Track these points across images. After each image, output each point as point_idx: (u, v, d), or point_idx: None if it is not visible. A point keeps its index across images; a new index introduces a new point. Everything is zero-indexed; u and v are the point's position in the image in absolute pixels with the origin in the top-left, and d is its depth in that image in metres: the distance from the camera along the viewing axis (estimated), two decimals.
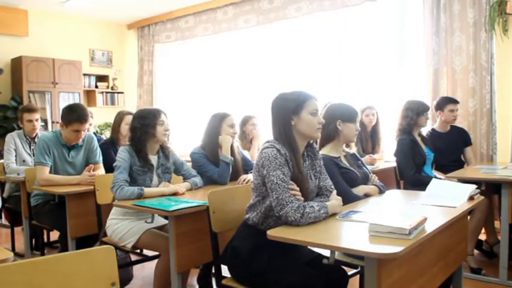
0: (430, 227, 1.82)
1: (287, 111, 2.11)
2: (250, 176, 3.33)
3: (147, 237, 2.72)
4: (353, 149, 2.90)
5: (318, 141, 2.70)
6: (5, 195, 4.31)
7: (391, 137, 4.18)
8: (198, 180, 3.11)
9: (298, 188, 2.02)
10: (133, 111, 3.89)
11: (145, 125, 2.84)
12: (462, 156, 4.18)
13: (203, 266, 3.18)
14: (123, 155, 2.80)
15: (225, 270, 2.25)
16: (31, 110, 4.32)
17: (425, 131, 4.01)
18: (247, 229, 2.14)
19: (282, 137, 2.10)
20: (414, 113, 3.71)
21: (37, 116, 4.34)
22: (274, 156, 2.00)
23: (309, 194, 2.13)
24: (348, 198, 2.42)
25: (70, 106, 3.52)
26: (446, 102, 4.08)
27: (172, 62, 7.70)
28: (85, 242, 3.20)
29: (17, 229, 4.46)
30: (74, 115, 3.39)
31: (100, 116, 7.37)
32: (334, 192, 2.21)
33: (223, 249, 2.21)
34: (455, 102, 4.09)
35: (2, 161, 4.31)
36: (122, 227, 2.78)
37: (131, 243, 2.73)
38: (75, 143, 3.52)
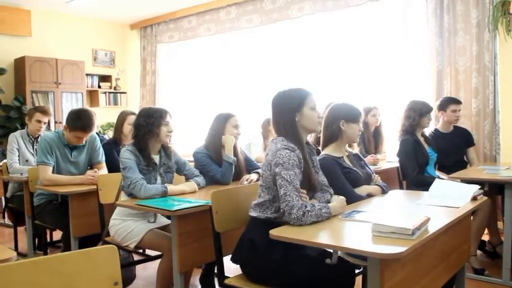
0: (433, 227, 1.81)
1: (291, 108, 2.21)
2: (253, 176, 3.33)
3: (150, 237, 2.72)
4: (356, 149, 2.90)
5: (321, 141, 2.70)
6: (8, 195, 4.31)
7: (393, 137, 4.17)
8: (200, 180, 3.10)
9: (305, 193, 2.11)
10: (136, 111, 3.89)
11: (150, 124, 2.84)
12: (465, 157, 4.17)
13: (205, 266, 3.18)
14: (127, 155, 2.79)
15: (227, 271, 2.25)
16: (45, 112, 4.34)
17: (428, 131, 4.00)
18: (260, 222, 2.15)
19: (289, 134, 2.18)
20: (417, 113, 3.70)
21: (47, 119, 4.39)
22: (288, 157, 2.07)
23: (318, 185, 2.24)
24: (351, 198, 2.42)
25: (78, 113, 3.48)
26: (448, 103, 4.07)
27: (175, 62, 7.70)
28: (88, 241, 3.21)
29: (20, 229, 4.46)
30: (79, 123, 3.39)
31: (103, 116, 7.39)
32: (336, 196, 2.27)
33: (238, 244, 2.21)
34: (457, 102, 4.08)
35: (5, 160, 4.32)
36: (124, 227, 2.78)
37: (134, 243, 2.73)
38: (77, 144, 3.53)
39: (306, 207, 1.96)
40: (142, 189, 2.69)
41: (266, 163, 2.16)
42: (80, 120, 3.40)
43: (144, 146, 2.85)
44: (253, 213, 2.20)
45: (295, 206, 1.95)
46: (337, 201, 2.18)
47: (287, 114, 2.20)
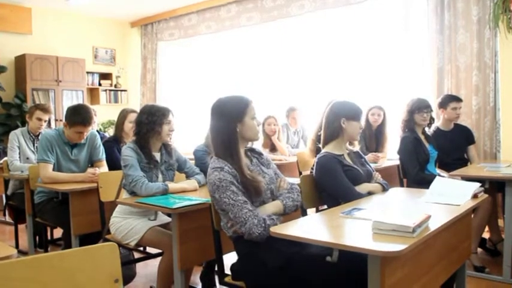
0: (433, 225, 1.81)
1: (232, 118, 2.13)
2: None
3: (151, 234, 2.72)
4: (357, 147, 2.89)
5: (322, 138, 2.70)
6: (8, 192, 4.32)
7: (394, 135, 4.16)
8: (201, 177, 3.10)
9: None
10: (137, 109, 3.90)
11: (152, 122, 2.83)
12: (465, 155, 4.17)
13: (206, 264, 3.18)
14: (129, 152, 2.79)
15: (227, 269, 2.25)
16: (46, 110, 4.33)
17: (431, 129, 3.99)
18: (242, 239, 2.08)
19: (225, 147, 2.11)
20: (407, 111, 3.72)
21: (48, 117, 4.39)
22: (219, 179, 2.03)
23: (265, 191, 2.14)
24: (351, 196, 2.42)
25: (75, 108, 3.50)
26: (449, 100, 4.06)
27: (175, 60, 7.70)
28: (88, 239, 3.20)
29: (21, 226, 4.46)
30: (78, 118, 3.39)
31: (103, 114, 7.37)
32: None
33: (237, 262, 2.16)
34: (458, 100, 4.08)
35: (5, 158, 4.33)
36: (125, 224, 2.79)
37: (135, 241, 2.74)
38: (77, 142, 3.53)
39: (265, 221, 1.95)
40: (143, 187, 2.69)
41: (208, 191, 2.13)
42: (78, 115, 3.40)
43: (145, 143, 2.85)
44: (230, 233, 2.14)
45: (253, 224, 1.93)
46: (271, 205, 2.15)
47: (227, 124, 2.13)
